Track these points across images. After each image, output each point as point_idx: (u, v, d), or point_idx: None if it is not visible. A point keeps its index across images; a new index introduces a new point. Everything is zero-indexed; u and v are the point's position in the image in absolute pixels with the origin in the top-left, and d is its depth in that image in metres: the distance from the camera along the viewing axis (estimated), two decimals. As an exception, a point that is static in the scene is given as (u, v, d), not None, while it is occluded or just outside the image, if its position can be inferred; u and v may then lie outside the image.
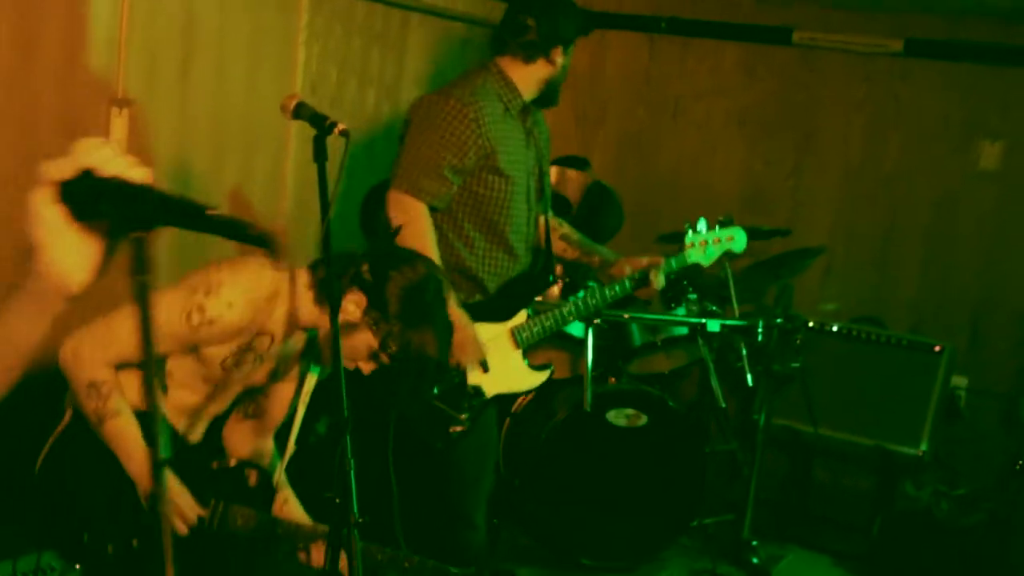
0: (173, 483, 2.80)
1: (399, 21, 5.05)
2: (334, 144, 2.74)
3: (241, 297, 2.76)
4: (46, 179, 1.28)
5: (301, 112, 2.78)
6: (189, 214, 1.27)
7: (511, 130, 3.73)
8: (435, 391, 3.58)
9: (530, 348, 3.84)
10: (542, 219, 4.01)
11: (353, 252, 2.86)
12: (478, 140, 3.59)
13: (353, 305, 2.77)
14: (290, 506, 3.05)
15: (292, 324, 2.87)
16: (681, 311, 4.68)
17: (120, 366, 2.79)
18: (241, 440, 3.14)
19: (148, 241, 1.27)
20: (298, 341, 2.97)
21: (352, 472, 2.42)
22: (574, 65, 4.00)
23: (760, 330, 4.62)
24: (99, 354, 2.73)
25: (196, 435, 3.04)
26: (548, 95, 3.84)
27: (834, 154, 5.76)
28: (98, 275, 1.33)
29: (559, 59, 3.77)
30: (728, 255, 4.02)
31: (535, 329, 3.80)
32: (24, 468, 2.88)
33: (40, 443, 2.89)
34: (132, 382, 2.81)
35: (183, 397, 2.93)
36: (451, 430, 3.60)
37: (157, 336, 2.60)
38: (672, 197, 5.94)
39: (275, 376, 3.04)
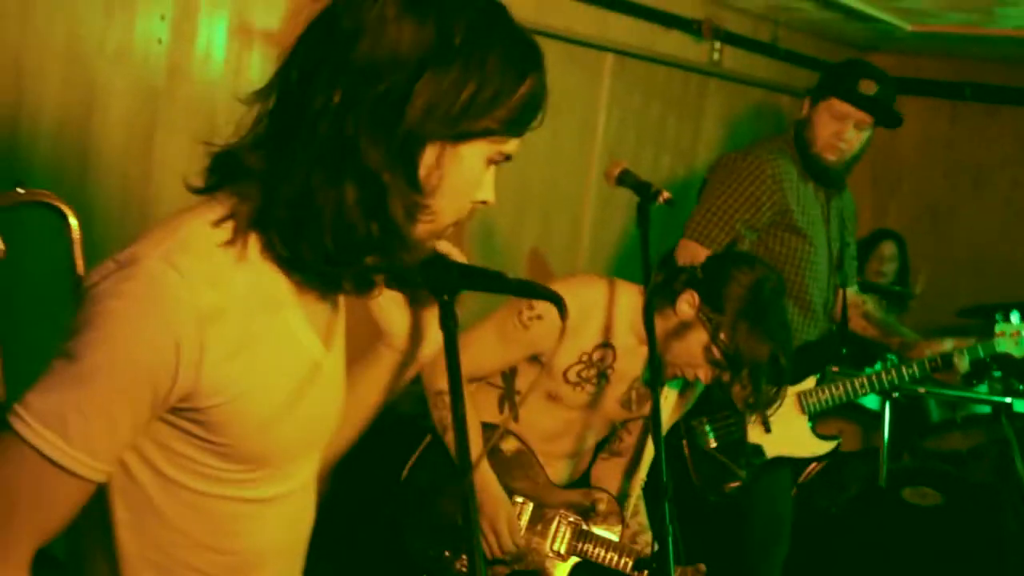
0: (502, 509, 2.83)
1: (696, 86, 5.09)
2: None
3: (567, 294, 2.76)
4: None
5: (626, 179, 2.83)
6: (489, 278, 1.62)
7: (808, 193, 3.76)
8: (716, 444, 3.58)
9: (818, 415, 3.80)
10: (842, 292, 3.99)
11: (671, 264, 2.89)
12: (773, 196, 3.66)
13: (687, 305, 2.80)
14: (641, 539, 3.03)
15: (630, 335, 2.88)
16: (983, 388, 4.50)
17: (473, 381, 2.90)
18: (607, 480, 3.15)
19: (455, 302, 1.58)
20: (640, 359, 2.94)
21: (671, 539, 2.42)
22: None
23: (1067, 411, 4.40)
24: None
25: (555, 475, 3.03)
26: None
27: None
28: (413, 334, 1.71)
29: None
30: None
31: (823, 397, 3.76)
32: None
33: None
34: (486, 399, 2.93)
35: (536, 421, 2.94)
36: (727, 486, 3.57)
37: (503, 350, 2.83)
38: (973, 271, 5.73)
39: (629, 406, 3.02)
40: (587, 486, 3.10)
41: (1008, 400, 4.41)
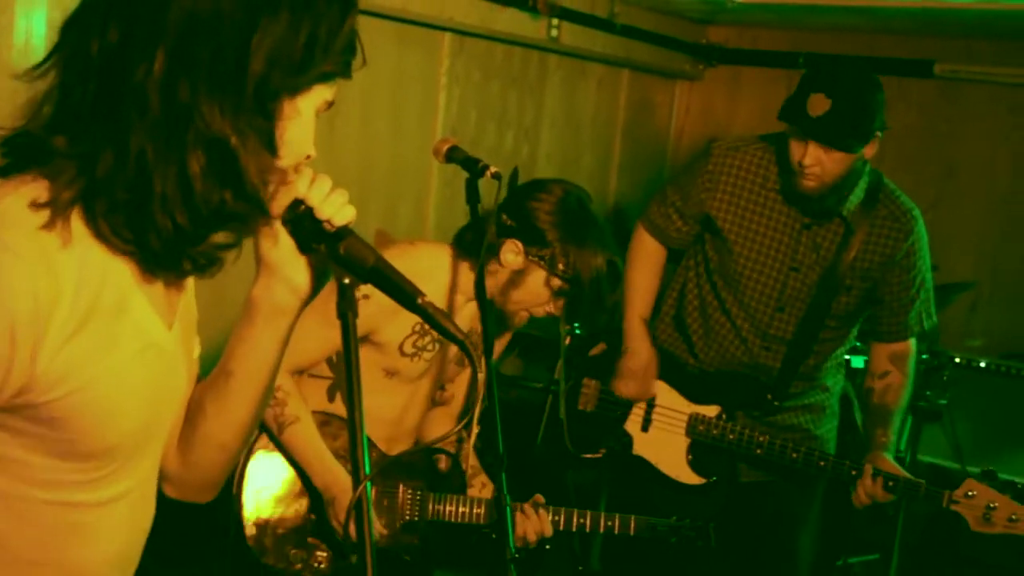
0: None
1: (537, 63, 5.13)
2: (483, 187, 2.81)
3: (404, 264, 2.67)
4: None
5: (454, 156, 2.83)
6: (399, 289, 1.49)
7: (769, 206, 3.46)
8: (593, 409, 3.60)
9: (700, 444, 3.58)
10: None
11: (484, 213, 2.81)
12: (703, 193, 3.53)
13: (512, 254, 2.80)
14: (488, 489, 3.03)
15: (457, 295, 2.87)
16: (824, 347, 4.62)
17: (300, 372, 2.84)
18: (435, 428, 3.14)
19: (355, 287, 1.48)
20: (471, 316, 2.93)
21: (508, 508, 2.44)
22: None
23: (906, 366, 4.54)
24: None
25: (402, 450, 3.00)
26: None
27: (978, 187, 5.65)
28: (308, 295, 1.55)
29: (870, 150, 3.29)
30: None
31: (714, 433, 3.53)
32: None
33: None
34: (313, 391, 2.86)
35: (378, 403, 2.84)
36: (583, 454, 3.61)
37: (328, 335, 2.67)
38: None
39: (462, 362, 3.03)
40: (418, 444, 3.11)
41: (847, 357, 4.55)
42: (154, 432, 1.52)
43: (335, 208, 1.47)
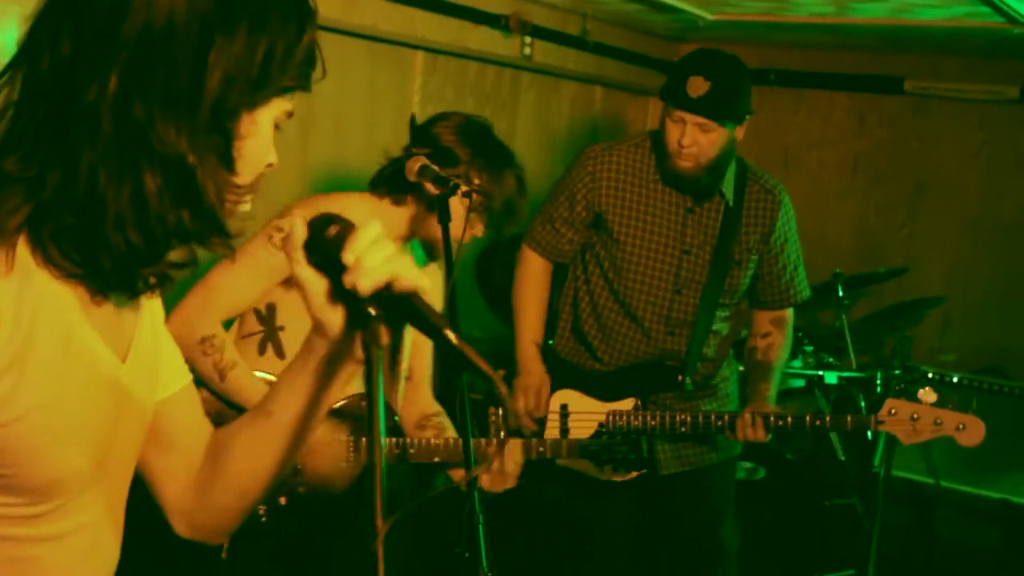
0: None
1: (510, 81, 5.14)
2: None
3: (312, 213, 2.72)
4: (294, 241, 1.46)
5: (425, 173, 2.83)
6: (429, 327, 1.34)
7: (652, 196, 3.55)
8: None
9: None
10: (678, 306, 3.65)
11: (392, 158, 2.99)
12: (588, 194, 3.58)
13: (432, 185, 2.83)
14: (444, 432, 3.13)
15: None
16: (797, 363, 4.65)
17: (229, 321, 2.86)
18: (406, 409, 3.19)
19: (380, 320, 1.34)
20: None
21: (481, 526, 2.44)
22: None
23: (878, 382, 4.58)
24: (204, 311, 2.78)
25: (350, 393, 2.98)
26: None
27: (949, 203, 5.70)
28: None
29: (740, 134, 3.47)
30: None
31: (636, 424, 3.53)
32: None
33: None
34: (246, 348, 2.89)
35: None
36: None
37: (258, 285, 2.78)
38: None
39: None
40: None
41: (820, 373, 4.58)
42: (108, 470, 1.43)
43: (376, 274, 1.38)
